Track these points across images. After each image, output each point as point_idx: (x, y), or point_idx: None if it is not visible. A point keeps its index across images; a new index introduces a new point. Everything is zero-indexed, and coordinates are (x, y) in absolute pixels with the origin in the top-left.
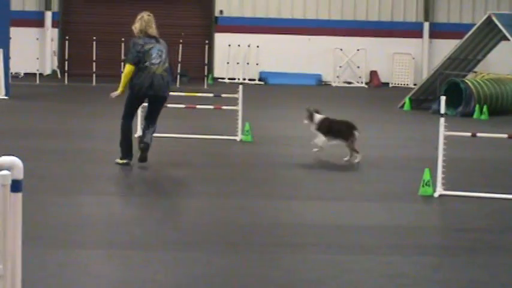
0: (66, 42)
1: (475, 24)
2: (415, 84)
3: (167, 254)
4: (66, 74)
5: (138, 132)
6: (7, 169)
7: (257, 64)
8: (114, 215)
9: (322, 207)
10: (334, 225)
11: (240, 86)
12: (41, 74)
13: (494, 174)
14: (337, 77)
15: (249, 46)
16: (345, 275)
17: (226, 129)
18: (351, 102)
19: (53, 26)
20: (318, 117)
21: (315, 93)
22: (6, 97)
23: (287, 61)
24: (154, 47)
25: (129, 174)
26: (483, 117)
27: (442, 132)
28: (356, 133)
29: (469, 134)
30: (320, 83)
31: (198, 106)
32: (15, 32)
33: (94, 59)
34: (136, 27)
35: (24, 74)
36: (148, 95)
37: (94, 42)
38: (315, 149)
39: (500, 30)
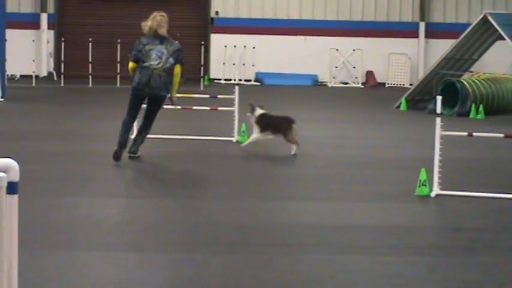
0: (62, 44)
1: (470, 24)
2: (411, 84)
3: (164, 255)
4: (62, 75)
5: (134, 134)
6: (3, 171)
7: (253, 65)
8: (110, 217)
9: (318, 207)
10: (331, 225)
11: (236, 87)
12: (37, 76)
13: (491, 173)
14: (333, 77)
15: (245, 47)
16: (342, 275)
17: (222, 130)
18: (347, 103)
19: (49, 27)
20: (258, 112)
21: (311, 93)
22: (2, 99)
23: (283, 62)
24: (155, 48)
25: (125, 176)
26: (479, 116)
27: (438, 132)
28: (294, 126)
29: (465, 133)
30: (316, 84)
31: (194, 107)
32: (11, 34)
33: (90, 60)
34: (147, 25)
35: (20, 76)
36: (145, 93)
37: (90, 44)
38: (245, 143)
39: (496, 30)
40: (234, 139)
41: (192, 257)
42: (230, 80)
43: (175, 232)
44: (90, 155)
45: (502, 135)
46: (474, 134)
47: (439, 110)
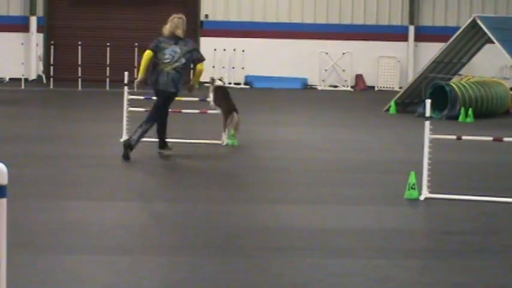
0: (52, 47)
1: (460, 28)
2: (400, 88)
3: (154, 258)
4: (51, 78)
5: (124, 137)
6: None
7: (243, 68)
8: (100, 220)
9: (308, 211)
10: (321, 228)
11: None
12: (26, 79)
13: (480, 177)
14: (323, 80)
15: (234, 50)
16: (331, 278)
17: (211, 133)
18: (337, 106)
19: (38, 30)
20: (217, 82)
21: (301, 96)
22: None
23: (273, 65)
24: (170, 47)
25: (116, 179)
26: (468, 120)
27: (428, 135)
28: (235, 114)
29: (455, 137)
30: (306, 87)
31: (183, 110)
32: None
33: (79, 63)
34: (166, 28)
35: (9, 79)
36: (157, 89)
37: (79, 47)
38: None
39: (485, 33)
40: (223, 142)
41: (183, 260)
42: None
43: (165, 235)
44: (80, 158)
45: (490, 138)
46: (463, 137)
47: (428, 113)
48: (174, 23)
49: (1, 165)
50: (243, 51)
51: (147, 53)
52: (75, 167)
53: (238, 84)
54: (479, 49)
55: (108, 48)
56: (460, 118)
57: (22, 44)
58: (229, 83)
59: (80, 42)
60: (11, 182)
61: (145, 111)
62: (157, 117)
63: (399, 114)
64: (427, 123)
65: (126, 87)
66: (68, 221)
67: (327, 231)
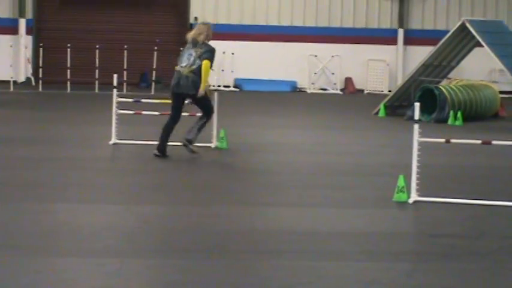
0: (41, 49)
1: (449, 31)
2: (389, 91)
3: (142, 261)
4: (40, 81)
5: (113, 139)
6: None
7: (232, 71)
8: (89, 223)
9: (297, 213)
10: (309, 231)
11: (215, 93)
12: (15, 82)
13: (469, 180)
14: (312, 83)
15: (224, 53)
16: (319, 281)
17: (201, 136)
18: (326, 109)
19: (27, 33)
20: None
21: (290, 99)
22: None
23: (262, 68)
24: (187, 51)
25: (104, 182)
26: (457, 123)
27: (416, 138)
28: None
29: (443, 140)
30: (295, 90)
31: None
32: None
33: (68, 66)
34: (190, 34)
35: None
36: (177, 93)
37: (68, 49)
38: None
39: (473, 37)
40: (212, 145)
41: (171, 262)
42: (209, 85)
43: (153, 238)
44: (69, 160)
45: (479, 141)
46: (452, 140)
47: (417, 116)
48: (197, 29)
49: None
50: (233, 53)
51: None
52: (64, 170)
53: (228, 87)
54: (468, 52)
55: (97, 51)
56: (449, 121)
57: (11, 46)
58: (219, 86)
59: (69, 45)
60: None
61: (135, 113)
62: (175, 120)
63: (388, 117)
64: (416, 126)
65: (115, 90)
66: (56, 224)
67: (315, 234)
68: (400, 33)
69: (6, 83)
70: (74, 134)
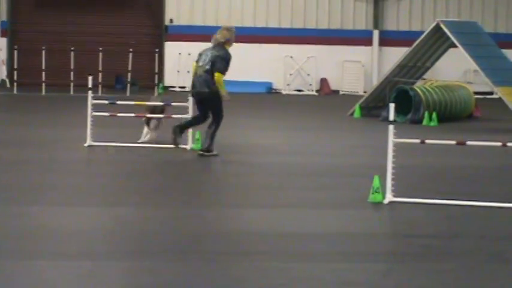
0: (15, 51)
1: (424, 32)
2: (365, 92)
3: (115, 263)
4: (15, 83)
5: (88, 141)
6: None
7: None
8: (64, 226)
9: (271, 215)
10: (284, 233)
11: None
12: None
13: (443, 180)
14: (288, 84)
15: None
16: (295, 283)
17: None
18: (302, 110)
19: (2, 35)
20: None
21: (266, 101)
22: None
23: (237, 69)
24: (205, 52)
25: (79, 184)
26: (432, 124)
27: (391, 139)
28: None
29: (418, 140)
30: (270, 91)
31: (148, 115)
32: None
33: (43, 68)
34: (214, 36)
35: None
36: (194, 92)
37: (43, 51)
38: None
39: (448, 38)
40: (188, 147)
41: (146, 265)
42: (185, 87)
43: (127, 240)
44: (44, 163)
45: (454, 142)
46: (427, 141)
47: (392, 117)
48: (219, 33)
49: None
50: None
51: (193, 65)
52: (39, 172)
53: None
54: (443, 53)
55: (72, 53)
56: (424, 122)
57: None
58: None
59: (44, 47)
60: None
61: (110, 115)
62: (213, 118)
63: (363, 118)
64: (391, 127)
65: (90, 92)
66: (30, 227)
67: (290, 235)
68: (375, 34)
69: None
70: (48, 136)
